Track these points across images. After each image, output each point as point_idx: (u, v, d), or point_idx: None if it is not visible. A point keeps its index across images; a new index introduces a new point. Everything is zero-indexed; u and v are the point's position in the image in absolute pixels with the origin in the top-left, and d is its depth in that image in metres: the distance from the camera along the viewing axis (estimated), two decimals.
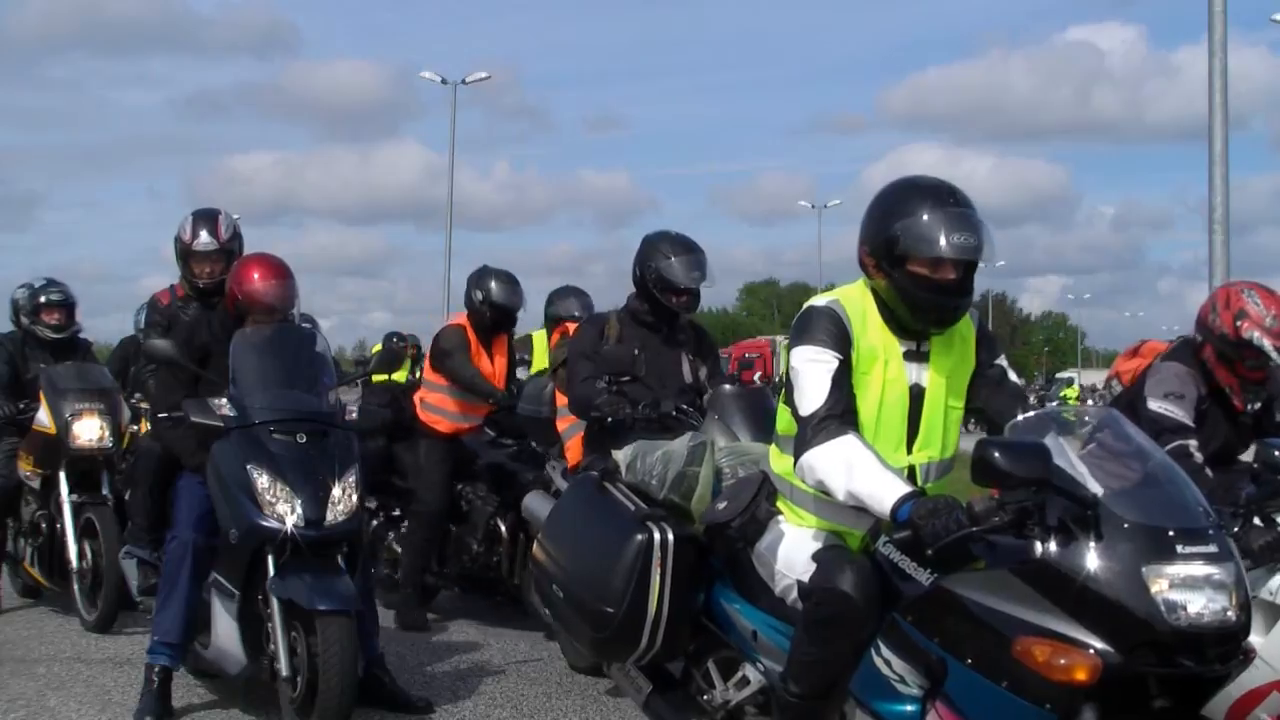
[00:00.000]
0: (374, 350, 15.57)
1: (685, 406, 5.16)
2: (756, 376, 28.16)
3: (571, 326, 6.73)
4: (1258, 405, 4.72)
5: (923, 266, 3.15)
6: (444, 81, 35.41)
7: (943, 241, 3.10)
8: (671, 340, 5.44)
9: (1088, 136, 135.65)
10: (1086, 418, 3.09)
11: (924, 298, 3.17)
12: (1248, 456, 4.75)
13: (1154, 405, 4.49)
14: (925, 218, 3.12)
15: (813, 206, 55.79)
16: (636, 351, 5.31)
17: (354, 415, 4.99)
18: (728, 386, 5.14)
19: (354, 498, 4.67)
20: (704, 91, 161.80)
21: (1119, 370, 5.39)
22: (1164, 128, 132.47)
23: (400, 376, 13.34)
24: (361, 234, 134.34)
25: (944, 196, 3.17)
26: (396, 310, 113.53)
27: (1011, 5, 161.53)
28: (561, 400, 6.06)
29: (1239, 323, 4.54)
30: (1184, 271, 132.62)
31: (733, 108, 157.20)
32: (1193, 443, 4.36)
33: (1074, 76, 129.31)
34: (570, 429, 6.00)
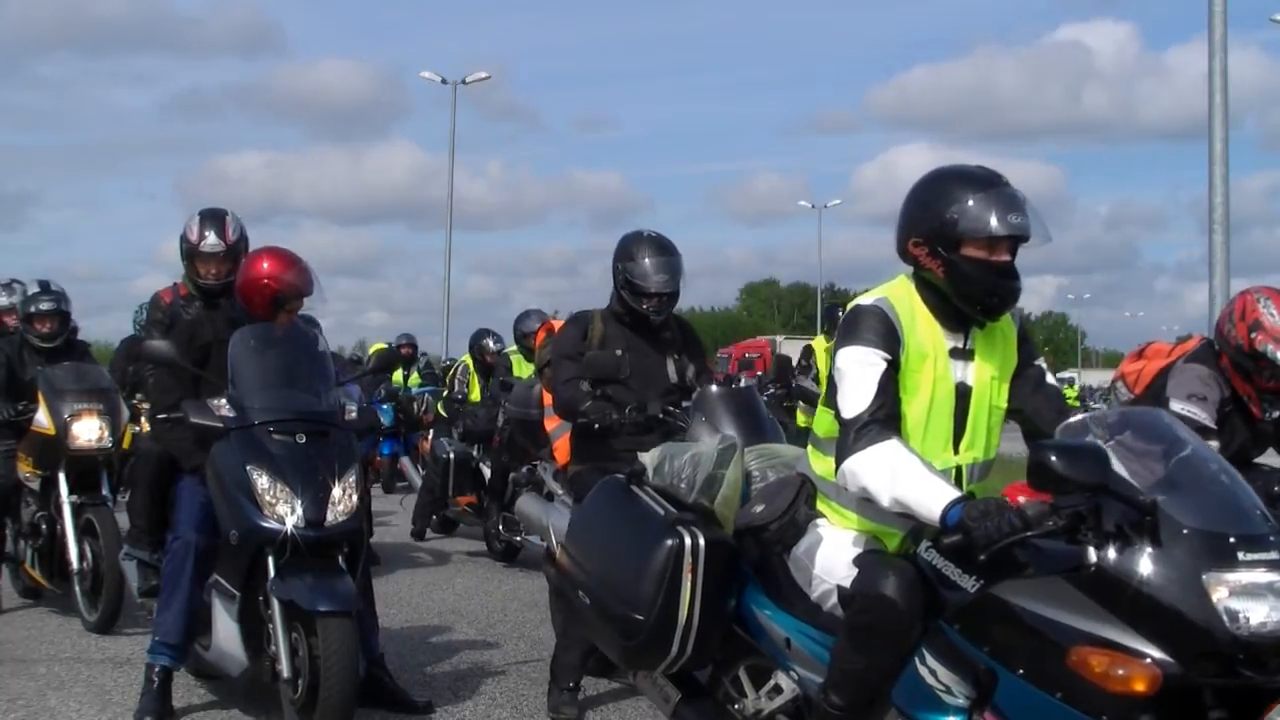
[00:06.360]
0: (372, 350, 15.51)
1: (671, 408, 5.08)
2: (756, 375, 28.06)
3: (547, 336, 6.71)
4: (1276, 414, 4.68)
5: (980, 249, 3.12)
6: (444, 81, 35.33)
7: (996, 221, 3.09)
8: (657, 340, 5.29)
9: (1082, 136, 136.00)
10: (1128, 418, 3.02)
11: (984, 280, 3.14)
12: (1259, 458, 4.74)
13: (1176, 406, 4.43)
14: (980, 198, 3.11)
15: (812, 206, 55.73)
16: (620, 352, 5.17)
17: (353, 415, 4.98)
18: (714, 387, 5.04)
19: (354, 498, 4.66)
20: (698, 91, 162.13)
21: (1124, 372, 5.36)
22: (1157, 127, 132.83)
23: (398, 378, 13.30)
24: (355, 234, 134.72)
25: (994, 179, 3.18)
26: (394, 310, 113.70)
27: (1005, 4, 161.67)
28: (549, 400, 6.02)
29: (1253, 334, 4.49)
30: (1180, 270, 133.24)
31: (727, 108, 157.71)
32: (1213, 445, 4.33)
33: (1068, 76, 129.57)
34: (558, 429, 5.94)
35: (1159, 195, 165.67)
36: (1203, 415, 4.45)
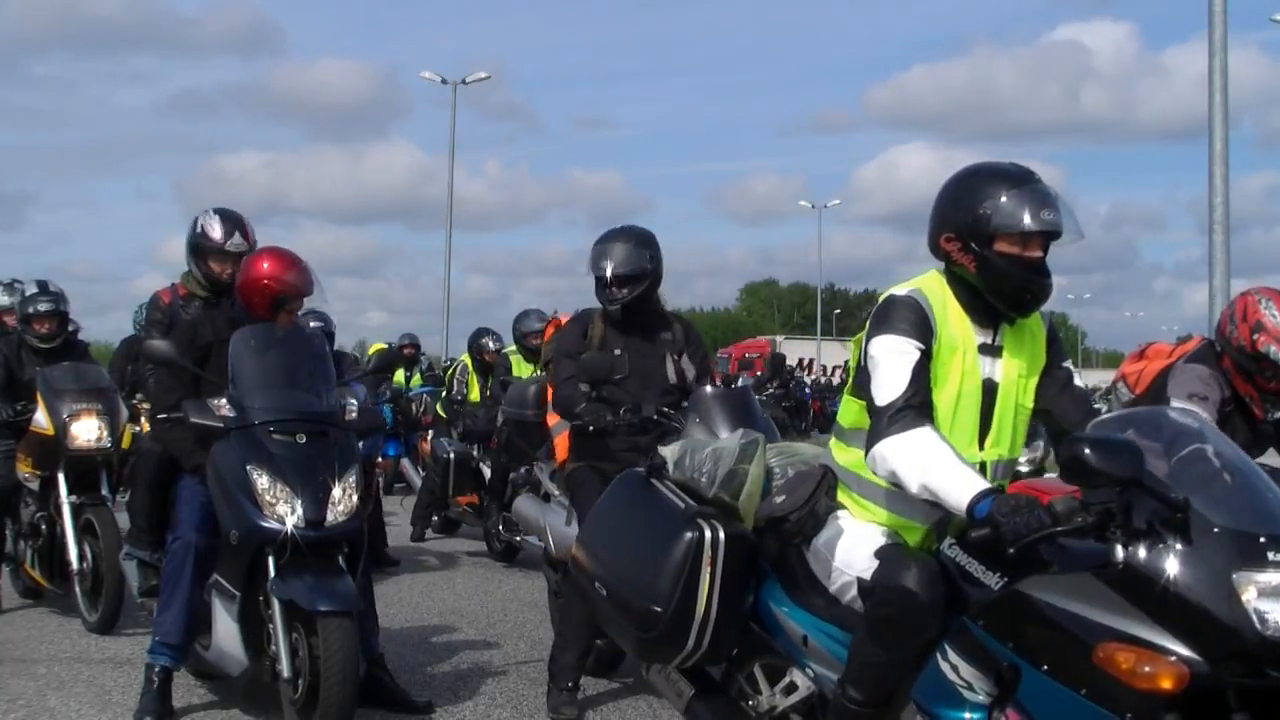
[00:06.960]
0: (371, 350, 15.51)
1: (666, 409, 5.06)
2: (755, 375, 28.04)
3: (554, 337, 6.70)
4: (1277, 415, 4.68)
5: (1013, 244, 3.13)
6: (444, 81, 35.30)
7: (1028, 217, 3.10)
8: (656, 340, 5.27)
9: (1081, 136, 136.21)
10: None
11: (1017, 276, 3.15)
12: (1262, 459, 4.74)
13: (1178, 405, 4.43)
14: (1013, 194, 3.12)
15: (812, 206, 55.61)
16: (618, 352, 5.15)
17: (354, 415, 4.98)
18: (709, 387, 5.02)
19: (354, 498, 4.65)
20: (698, 91, 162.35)
21: (1125, 373, 5.36)
22: (1156, 127, 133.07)
23: (400, 379, 13.26)
24: (354, 234, 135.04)
25: (1026, 175, 3.19)
26: (394, 310, 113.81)
27: (1004, 4, 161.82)
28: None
29: (1255, 335, 4.50)
30: (1179, 270, 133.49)
31: (727, 108, 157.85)
32: None
33: (1067, 76, 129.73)
34: (558, 425, 5.93)
35: (1158, 195, 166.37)
36: (1203, 415, 4.44)
